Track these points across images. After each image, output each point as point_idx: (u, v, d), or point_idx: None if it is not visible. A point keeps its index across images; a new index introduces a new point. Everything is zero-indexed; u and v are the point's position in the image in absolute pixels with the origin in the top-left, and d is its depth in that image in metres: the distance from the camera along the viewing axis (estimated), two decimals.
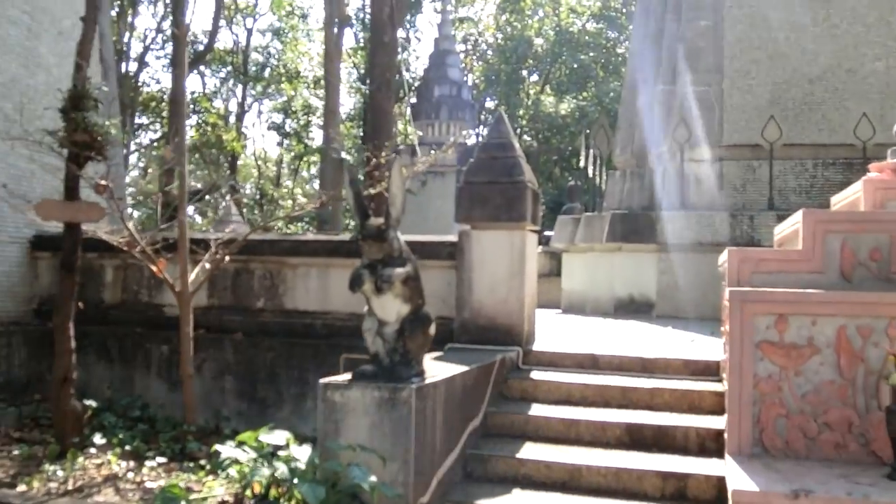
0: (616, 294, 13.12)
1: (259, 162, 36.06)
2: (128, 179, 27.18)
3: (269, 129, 33.30)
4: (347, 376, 4.48)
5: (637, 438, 5.39)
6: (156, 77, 28.02)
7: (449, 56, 26.77)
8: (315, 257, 7.42)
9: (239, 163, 31.86)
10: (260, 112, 34.90)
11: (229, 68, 30.02)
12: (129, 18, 24.96)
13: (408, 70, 32.14)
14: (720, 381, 5.97)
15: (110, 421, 6.64)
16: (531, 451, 5.23)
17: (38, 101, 8.38)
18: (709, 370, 6.21)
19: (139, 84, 25.98)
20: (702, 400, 5.76)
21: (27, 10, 8.42)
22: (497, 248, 6.66)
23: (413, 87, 29.69)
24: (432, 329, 4.56)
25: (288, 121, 32.30)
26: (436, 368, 5.00)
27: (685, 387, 5.89)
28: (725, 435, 4.83)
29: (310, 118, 31.41)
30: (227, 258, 6.80)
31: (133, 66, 25.70)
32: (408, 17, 31.32)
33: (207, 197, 18.77)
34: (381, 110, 9.26)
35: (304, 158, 33.02)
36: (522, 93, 33.84)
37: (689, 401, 5.77)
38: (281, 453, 4.17)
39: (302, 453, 4.20)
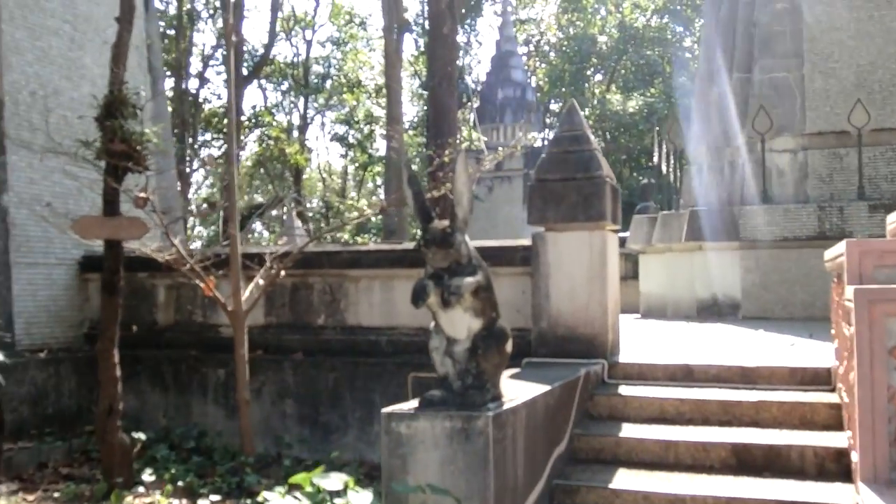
0: (698, 296, 12.52)
1: (324, 174, 36.04)
2: (192, 196, 27.40)
3: (332, 140, 33.22)
4: (414, 403, 3.91)
5: (745, 460, 4.73)
6: (217, 93, 28.04)
7: (511, 58, 26.16)
8: (378, 269, 6.89)
9: (304, 176, 31.84)
10: (323, 124, 34.77)
11: (290, 81, 30.01)
12: (187, 33, 25.10)
13: (469, 74, 31.67)
14: (833, 390, 5.26)
15: (163, 454, 6.23)
16: (625, 480, 4.58)
17: (84, 114, 8.10)
18: (819, 379, 5.48)
19: (200, 101, 26.12)
20: (814, 413, 5.07)
21: (69, 19, 8.17)
22: (575, 251, 6.03)
23: (476, 91, 29.18)
24: (509, 345, 3.95)
25: (351, 131, 32.15)
26: (514, 389, 4.40)
27: (794, 399, 5.21)
28: (852, 457, 4.11)
29: (373, 127, 31.19)
30: (283, 273, 6.32)
31: (194, 83, 25.87)
32: (468, 21, 30.87)
33: (274, 212, 18.50)
34: (443, 107, 8.72)
35: (369, 169, 32.82)
36: (587, 92, 32.97)
37: (800, 414, 5.09)
38: (338, 501, 3.62)
39: (362, 501, 3.64)
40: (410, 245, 7.24)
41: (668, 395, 5.41)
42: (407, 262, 6.73)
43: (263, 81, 29.66)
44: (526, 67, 30.81)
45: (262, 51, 26.40)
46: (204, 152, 27.72)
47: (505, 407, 3.85)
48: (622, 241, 14.33)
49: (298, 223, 16.20)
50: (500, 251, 6.46)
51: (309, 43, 30.30)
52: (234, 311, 6.09)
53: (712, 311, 12.26)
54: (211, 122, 27.34)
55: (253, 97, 41.68)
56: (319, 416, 6.74)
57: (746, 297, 12.09)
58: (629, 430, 5.13)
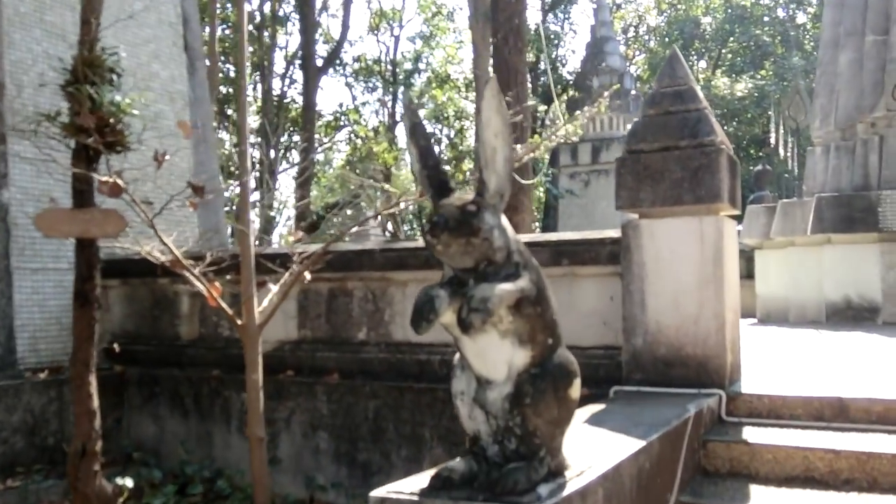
0: (827, 297, 10.86)
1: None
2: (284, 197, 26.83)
3: None
4: (424, 479, 2.53)
5: None
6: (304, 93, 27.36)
7: (608, 43, 24.33)
8: (427, 270, 5.52)
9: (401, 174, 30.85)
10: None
11: (378, 78, 29.11)
12: (266, 32, 24.46)
13: (564, 65, 29.99)
14: None
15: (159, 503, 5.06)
16: None
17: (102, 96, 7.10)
18: None
19: (285, 101, 25.49)
20: None
21: None
22: (680, 244, 4.53)
23: (570, 83, 27.52)
24: (575, 388, 2.53)
25: (441, 128, 30.96)
26: (588, 447, 2.97)
27: None
28: None
29: (463, 123, 29.90)
30: (308, 276, 5.07)
31: (274, 84, 25.25)
32: (561, 8, 29.22)
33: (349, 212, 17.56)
34: (508, 66, 7.31)
35: (459, 166, 31.56)
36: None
37: None
38: None
39: None
40: None
41: (815, 444, 3.86)
42: None
43: (351, 80, 28.87)
44: (624, 56, 28.89)
45: (348, 48, 25.56)
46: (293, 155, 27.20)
47: (569, 491, 2.43)
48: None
49: (373, 223, 15.02)
50: (582, 246, 5.02)
51: (396, 39, 29.38)
52: (244, 325, 4.87)
53: (845, 315, 10.62)
54: (297, 122, 26.69)
55: (341, 96, 41.21)
56: (358, 454, 5.44)
57: (888, 299, 10.41)
58: (762, 498, 3.61)
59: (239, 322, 4.90)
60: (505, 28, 7.47)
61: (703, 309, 4.48)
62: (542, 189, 21.61)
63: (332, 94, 51.82)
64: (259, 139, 22.46)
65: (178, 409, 6.24)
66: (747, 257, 12.87)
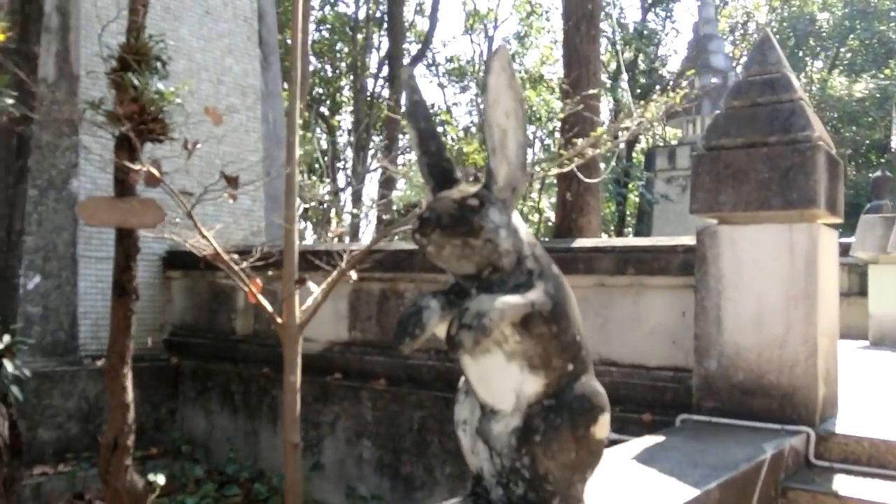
0: None
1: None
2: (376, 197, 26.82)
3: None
4: None
5: None
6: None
7: (712, 41, 23.18)
8: None
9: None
10: None
11: (471, 78, 28.76)
12: (361, 34, 24.51)
13: (665, 65, 28.86)
14: None
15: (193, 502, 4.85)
16: None
17: (144, 84, 7.01)
18: None
19: (379, 100, 25.47)
20: None
21: None
22: (765, 254, 3.95)
23: (670, 83, 26.40)
24: (602, 425, 2.07)
25: (533, 128, 30.34)
26: (625, 494, 2.50)
27: None
28: None
29: (555, 124, 29.21)
30: (354, 276, 4.75)
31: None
32: (662, 5, 28.11)
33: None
34: (579, 55, 6.78)
35: (549, 168, 30.86)
36: (805, 78, 28.95)
37: None
38: None
39: None
40: None
41: None
42: None
43: (444, 80, 28.64)
44: (731, 56, 27.52)
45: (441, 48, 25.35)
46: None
47: None
48: (844, 248, 11.60)
49: None
50: (648, 253, 4.50)
51: (490, 39, 28.88)
52: (284, 324, 4.59)
53: None
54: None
55: (433, 96, 41.14)
56: (401, 466, 5.09)
57: None
58: None
59: (279, 320, 4.62)
60: (577, 14, 6.94)
61: (791, 331, 3.89)
62: (636, 194, 20.79)
63: (424, 95, 51.88)
64: (351, 139, 22.50)
65: (228, 405, 6.06)
66: (860, 272, 11.88)
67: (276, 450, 5.69)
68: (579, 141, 4.51)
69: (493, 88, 1.92)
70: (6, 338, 4.54)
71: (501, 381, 2.02)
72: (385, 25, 25.40)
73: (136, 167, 3.99)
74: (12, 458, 4.57)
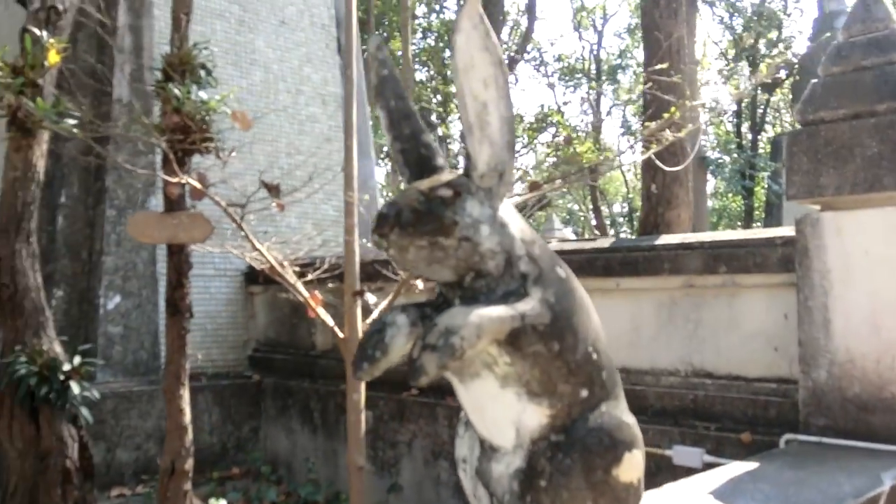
0: None
1: (628, 173, 33.45)
2: None
3: (623, 135, 30.48)
4: None
5: None
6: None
7: (838, 18, 21.50)
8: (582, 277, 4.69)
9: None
10: (624, 119, 32.31)
11: (581, 76, 28.03)
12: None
13: (789, 48, 27.08)
14: None
15: None
16: None
17: (253, 104, 6.95)
18: None
19: None
20: None
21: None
22: (879, 242, 3.35)
23: (795, 66, 24.74)
24: (628, 468, 1.65)
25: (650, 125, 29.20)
26: None
27: None
28: None
29: (674, 118, 27.95)
30: (421, 285, 4.43)
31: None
32: None
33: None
34: (660, 31, 6.15)
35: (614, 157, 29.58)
36: None
37: None
38: None
39: None
40: (605, 242, 4.95)
41: None
42: (599, 268, 4.48)
43: (553, 80, 28.04)
44: None
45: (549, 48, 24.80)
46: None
47: None
48: None
49: (559, 224, 14.16)
50: (742, 248, 3.94)
51: (600, 34, 28.03)
52: (345, 339, 4.33)
53: None
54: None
55: (543, 97, 40.43)
56: None
57: None
58: None
59: (341, 335, 4.37)
60: None
61: None
62: (763, 186, 19.54)
63: (535, 95, 51.30)
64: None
65: (308, 423, 5.88)
66: None
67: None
68: (653, 125, 4.01)
69: (463, 51, 1.55)
70: (76, 359, 4.50)
71: (496, 411, 1.64)
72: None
73: (174, 180, 3.84)
74: (84, 480, 4.53)
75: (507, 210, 1.65)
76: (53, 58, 4.23)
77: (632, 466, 1.66)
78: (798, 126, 3.58)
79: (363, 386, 4.33)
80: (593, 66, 28.20)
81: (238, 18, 7.02)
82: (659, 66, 4.53)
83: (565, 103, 28.77)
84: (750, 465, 2.99)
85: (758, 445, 3.64)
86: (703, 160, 19.55)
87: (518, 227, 1.64)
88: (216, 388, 6.07)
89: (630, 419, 1.71)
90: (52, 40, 4.17)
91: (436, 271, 1.58)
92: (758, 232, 4.06)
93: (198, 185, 3.87)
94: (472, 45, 1.55)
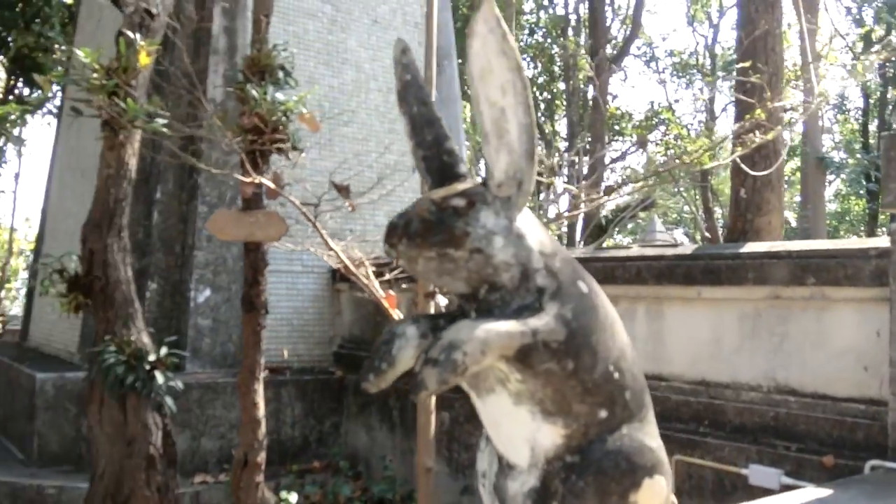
0: None
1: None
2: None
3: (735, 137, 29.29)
4: None
5: None
6: (613, 93, 26.35)
7: None
8: (639, 285, 4.55)
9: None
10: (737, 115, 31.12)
11: (695, 72, 27.13)
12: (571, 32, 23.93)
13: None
14: None
15: None
16: None
17: (344, 103, 7.06)
18: None
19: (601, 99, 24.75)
20: None
21: None
22: None
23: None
24: (649, 493, 1.56)
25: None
26: None
27: None
28: None
29: (791, 117, 26.70)
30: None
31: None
32: None
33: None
34: (753, 24, 5.78)
35: (786, 163, 28.29)
36: None
37: None
38: None
39: None
40: (686, 249, 4.76)
41: None
42: (679, 276, 4.31)
43: (665, 75, 27.29)
44: None
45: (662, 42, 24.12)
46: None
47: None
48: None
49: (661, 228, 13.66)
50: (831, 259, 3.69)
51: (716, 28, 27.06)
52: None
53: None
54: (608, 123, 25.80)
55: (654, 94, 39.38)
56: None
57: None
58: None
59: None
60: None
61: None
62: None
63: (646, 92, 49.97)
64: (567, 143, 22.04)
65: (387, 421, 5.93)
66: None
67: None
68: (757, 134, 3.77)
69: (479, 56, 1.51)
70: (162, 350, 4.68)
71: (511, 428, 1.59)
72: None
73: (248, 180, 3.93)
74: (167, 466, 4.71)
75: (526, 220, 1.59)
76: (144, 60, 4.40)
77: (653, 493, 1.57)
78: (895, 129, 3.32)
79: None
80: (708, 62, 27.29)
81: (330, 18, 7.15)
82: (740, 65, 4.30)
83: (676, 101, 27.97)
84: (822, 492, 2.80)
85: (841, 470, 3.41)
86: (821, 161, 18.58)
87: (537, 238, 1.58)
88: (300, 382, 6.20)
89: (654, 443, 1.62)
90: (142, 43, 4.34)
91: (447, 282, 1.55)
92: (850, 242, 3.81)
93: (272, 185, 3.95)
94: (489, 50, 1.50)
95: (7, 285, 18.59)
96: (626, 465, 1.55)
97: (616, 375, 1.59)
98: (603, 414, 1.57)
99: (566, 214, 4.55)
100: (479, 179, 1.61)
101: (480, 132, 1.55)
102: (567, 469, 1.54)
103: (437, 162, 1.65)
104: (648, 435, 1.63)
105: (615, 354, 1.59)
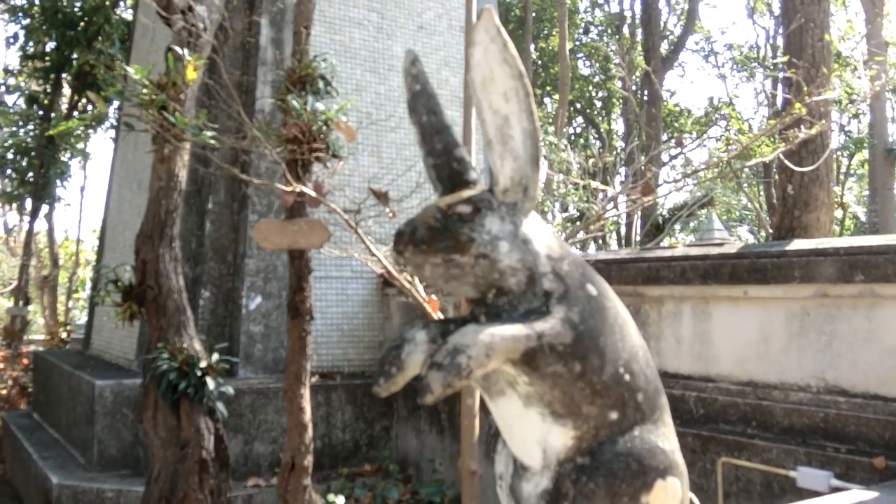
0: None
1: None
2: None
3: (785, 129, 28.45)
4: None
5: None
6: (670, 90, 25.99)
7: None
8: (685, 285, 4.49)
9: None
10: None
11: (755, 64, 26.50)
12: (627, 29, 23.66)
13: None
14: None
15: None
16: None
17: (391, 110, 7.15)
18: None
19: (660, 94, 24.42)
20: None
21: (376, 7, 7.27)
22: None
23: None
24: (662, 495, 1.56)
25: (837, 115, 27.13)
26: None
27: None
28: None
29: (859, 108, 25.85)
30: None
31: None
32: None
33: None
34: (797, 15, 5.59)
35: (855, 154, 27.39)
36: None
37: None
38: None
39: None
40: (733, 247, 4.67)
41: None
42: (725, 275, 4.24)
43: (725, 70, 26.75)
44: None
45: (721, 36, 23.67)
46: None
47: None
48: None
49: (720, 226, 13.40)
50: (881, 255, 3.60)
51: (777, 20, 26.39)
52: None
53: None
54: (667, 120, 25.40)
55: (713, 89, 38.56)
56: None
57: None
58: None
59: None
60: None
61: None
62: None
63: (705, 88, 48.95)
64: (624, 142, 21.80)
65: (436, 424, 5.97)
66: None
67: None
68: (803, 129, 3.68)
69: (481, 65, 1.53)
70: (214, 356, 4.81)
71: (523, 430, 1.61)
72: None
73: (288, 189, 4.02)
74: (220, 470, 4.83)
75: (533, 225, 1.61)
76: (191, 74, 4.55)
77: (666, 495, 1.57)
78: None
79: (477, 390, 4.34)
80: (770, 55, 26.64)
81: (376, 26, 7.24)
82: (779, 60, 4.20)
83: (736, 96, 27.39)
84: (869, 494, 2.74)
85: (893, 472, 3.31)
86: (889, 152, 17.99)
87: (544, 242, 1.60)
88: (350, 386, 6.28)
89: (668, 445, 1.62)
90: (189, 58, 4.48)
91: (455, 288, 1.57)
92: None
93: (313, 194, 4.03)
94: (491, 59, 1.52)
95: (75, 295, 19.29)
96: (636, 466, 1.55)
97: (627, 377, 1.59)
98: (614, 416, 1.57)
99: (607, 215, 4.50)
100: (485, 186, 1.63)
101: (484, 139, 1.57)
102: (578, 470, 1.55)
103: (447, 170, 1.68)
104: (662, 437, 1.63)
105: (625, 357, 1.60)
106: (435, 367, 1.43)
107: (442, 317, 4.45)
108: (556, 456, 1.58)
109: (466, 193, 1.58)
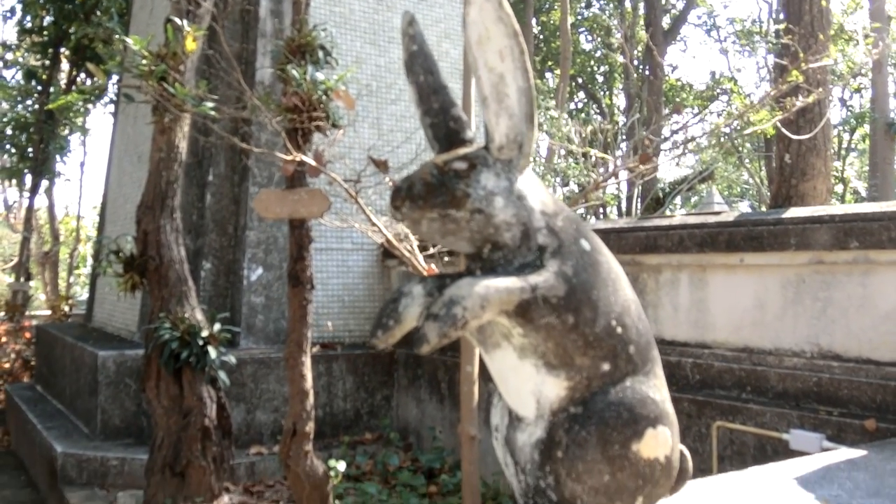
0: None
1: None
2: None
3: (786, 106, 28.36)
4: None
5: None
6: (672, 64, 25.84)
7: None
8: (682, 253, 4.53)
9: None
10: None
11: (757, 39, 26.36)
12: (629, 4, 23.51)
13: None
14: None
15: (375, 489, 4.86)
16: None
17: (391, 81, 7.15)
18: None
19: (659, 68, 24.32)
20: None
21: None
22: None
23: None
24: (651, 444, 1.60)
25: (840, 89, 27.00)
26: None
27: None
28: None
29: (861, 82, 25.74)
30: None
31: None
32: None
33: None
34: None
35: (856, 129, 27.31)
36: None
37: None
38: None
39: None
40: (728, 216, 4.71)
41: None
42: (722, 243, 4.28)
43: (727, 44, 26.61)
44: None
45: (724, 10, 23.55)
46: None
47: None
48: None
49: (720, 199, 13.43)
50: (875, 222, 3.63)
51: None
52: None
53: None
54: (669, 95, 25.29)
55: (715, 63, 38.32)
56: None
57: None
58: None
59: None
60: None
61: None
62: None
63: (707, 62, 48.60)
64: (625, 116, 21.75)
65: (436, 393, 6.04)
66: None
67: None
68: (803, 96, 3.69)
69: (476, 23, 1.56)
70: (215, 326, 4.87)
71: (517, 381, 1.66)
72: None
73: (288, 158, 4.04)
74: (222, 437, 4.91)
75: (528, 182, 1.64)
76: (191, 45, 4.55)
77: (657, 443, 1.61)
78: None
79: (476, 357, 4.40)
80: (772, 29, 26.41)
81: None
82: (777, 27, 4.20)
83: (738, 70, 27.27)
84: (855, 453, 2.80)
85: (883, 434, 3.38)
86: (890, 126, 17.95)
87: (539, 199, 1.63)
88: (351, 357, 6.35)
89: (658, 396, 1.66)
90: (188, 29, 4.48)
91: (451, 243, 1.61)
92: (893, 204, 3.73)
93: (313, 163, 4.06)
94: (486, 17, 1.55)
95: (76, 271, 19.35)
96: (627, 415, 1.60)
97: (619, 330, 1.63)
98: (606, 367, 1.62)
99: (601, 182, 4.52)
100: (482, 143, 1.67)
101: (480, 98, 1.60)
102: (571, 420, 1.60)
103: (444, 129, 1.71)
104: (653, 388, 1.67)
105: (617, 309, 1.64)
106: (431, 318, 1.47)
107: None
108: (549, 406, 1.63)
109: (462, 151, 1.62)
